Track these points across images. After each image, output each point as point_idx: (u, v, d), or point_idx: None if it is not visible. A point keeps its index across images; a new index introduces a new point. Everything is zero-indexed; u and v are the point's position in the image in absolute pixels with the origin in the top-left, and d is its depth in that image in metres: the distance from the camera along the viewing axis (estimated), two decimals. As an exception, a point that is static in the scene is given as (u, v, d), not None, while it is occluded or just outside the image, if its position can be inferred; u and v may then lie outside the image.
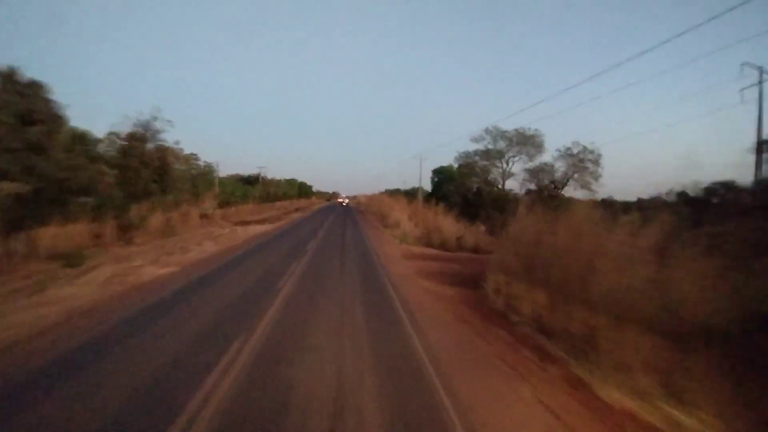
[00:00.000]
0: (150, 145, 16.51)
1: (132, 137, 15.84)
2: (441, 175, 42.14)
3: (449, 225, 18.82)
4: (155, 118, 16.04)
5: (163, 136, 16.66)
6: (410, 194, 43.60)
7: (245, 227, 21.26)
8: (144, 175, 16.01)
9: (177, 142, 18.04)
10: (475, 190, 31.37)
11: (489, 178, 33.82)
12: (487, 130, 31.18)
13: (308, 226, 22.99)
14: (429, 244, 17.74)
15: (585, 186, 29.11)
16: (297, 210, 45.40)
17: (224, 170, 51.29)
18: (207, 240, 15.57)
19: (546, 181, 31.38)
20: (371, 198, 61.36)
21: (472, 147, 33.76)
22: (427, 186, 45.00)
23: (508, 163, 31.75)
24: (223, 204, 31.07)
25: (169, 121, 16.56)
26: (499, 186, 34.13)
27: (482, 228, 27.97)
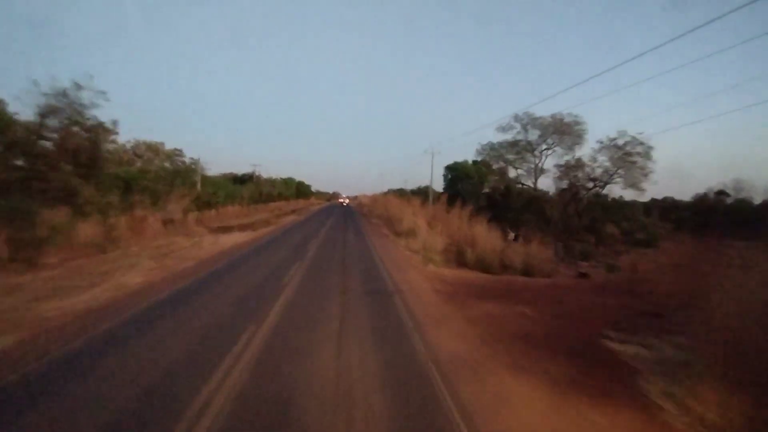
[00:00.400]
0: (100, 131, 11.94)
1: (45, 112, 11.20)
2: (454, 172, 37.42)
3: (485, 235, 14.12)
4: (79, 87, 11.39)
5: (93, 113, 12.06)
6: (416, 194, 38.81)
7: (219, 237, 16.60)
8: (63, 166, 11.39)
9: (115, 122, 13.43)
10: (503, 189, 26.51)
11: (513, 175, 28.95)
12: (516, 117, 26.23)
13: (299, 235, 18.28)
14: (461, 262, 13.06)
15: (633, 184, 24.35)
16: (293, 212, 40.70)
17: (219, 169, 47.21)
18: (150, 259, 10.90)
19: (581, 178, 26.56)
20: (375, 198, 56.42)
21: (498, 138, 28.87)
22: (437, 185, 40.28)
23: (540, 157, 26.78)
24: (204, 206, 26.33)
25: (102, 92, 11.93)
26: (522, 184, 29.30)
27: (512, 235, 23.33)
